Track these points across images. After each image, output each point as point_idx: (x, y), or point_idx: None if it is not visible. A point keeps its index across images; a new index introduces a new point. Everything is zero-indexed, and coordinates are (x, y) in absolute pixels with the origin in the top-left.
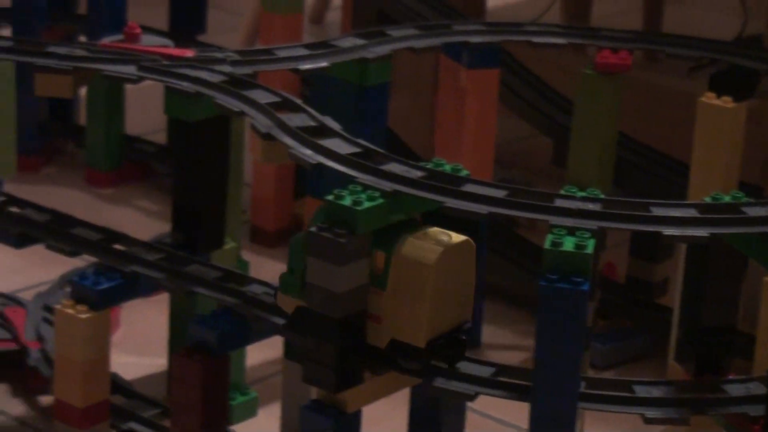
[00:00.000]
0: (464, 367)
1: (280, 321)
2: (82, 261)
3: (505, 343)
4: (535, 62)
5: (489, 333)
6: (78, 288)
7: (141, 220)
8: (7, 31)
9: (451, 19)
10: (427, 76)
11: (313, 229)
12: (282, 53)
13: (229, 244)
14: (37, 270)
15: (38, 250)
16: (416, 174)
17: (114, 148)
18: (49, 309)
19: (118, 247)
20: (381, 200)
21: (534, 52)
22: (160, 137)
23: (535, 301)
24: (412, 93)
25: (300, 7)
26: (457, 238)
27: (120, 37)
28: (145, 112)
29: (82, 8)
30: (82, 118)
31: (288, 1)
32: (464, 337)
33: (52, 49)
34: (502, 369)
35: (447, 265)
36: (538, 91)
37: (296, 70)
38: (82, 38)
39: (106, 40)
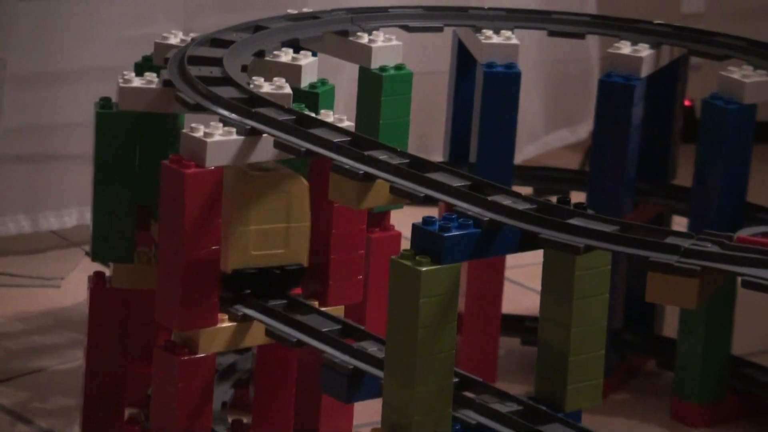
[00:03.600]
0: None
1: None
2: None
3: None
4: None
5: None
6: None
7: None
8: (580, 198)
9: None
10: None
11: None
12: None
13: None
14: None
15: None
16: None
17: (713, 374)
18: None
19: None
20: None
21: None
22: None
23: None
24: None
25: None
26: (283, 170)
27: (762, 229)
28: (756, 325)
29: (682, 179)
30: (668, 327)
31: None
32: (278, 272)
33: (671, 240)
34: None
35: (258, 195)
36: None
37: None
38: (677, 220)
39: (744, 233)
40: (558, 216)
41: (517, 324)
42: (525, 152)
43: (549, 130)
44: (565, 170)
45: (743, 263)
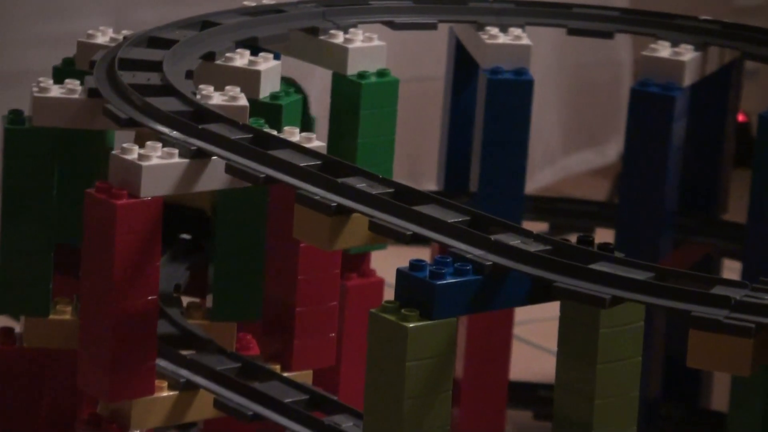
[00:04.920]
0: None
1: None
2: None
3: None
4: None
5: None
6: None
7: None
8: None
9: None
10: None
11: None
12: None
13: None
14: None
15: None
16: None
17: None
18: None
19: None
20: None
21: None
22: None
23: None
24: None
25: None
26: None
27: None
28: None
29: (735, 213)
30: (717, 399)
31: None
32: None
33: (719, 290)
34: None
35: None
36: None
37: None
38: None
39: None
40: (578, 260)
41: (528, 393)
42: (539, 179)
43: (569, 152)
44: (588, 202)
45: None
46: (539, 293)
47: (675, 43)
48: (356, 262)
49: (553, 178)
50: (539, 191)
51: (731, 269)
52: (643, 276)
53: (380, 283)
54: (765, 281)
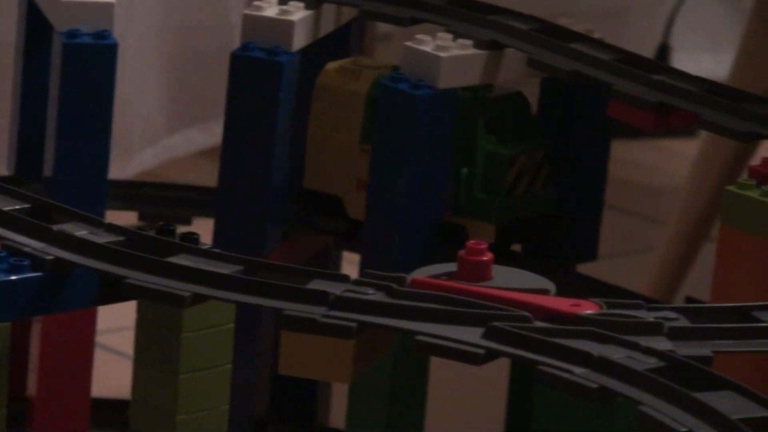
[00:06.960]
0: None
1: None
2: None
3: None
4: None
5: None
6: None
7: None
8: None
9: None
10: None
11: None
12: None
13: None
14: None
15: None
16: None
17: None
18: None
19: None
20: None
21: None
22: None
23: None
24: None
25: None
26: None
27: (449, 267)
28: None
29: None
30: (336, 414)
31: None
32: None
33: (317, 284)
34: None
35: None
36: None
37: None
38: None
39: (421, 274)
40: (155, 252)
41: (115, 412)
42: (139, 162)
43: (174, 131)
44: (185, 187)
45: (416, 316)
46: (111, 292)
47: (284, 1)
48: None
49: (156, 161)
50: (140, 177)
51: (352, 262)
52: (229, 269)
53: None
54: (370, 273)
